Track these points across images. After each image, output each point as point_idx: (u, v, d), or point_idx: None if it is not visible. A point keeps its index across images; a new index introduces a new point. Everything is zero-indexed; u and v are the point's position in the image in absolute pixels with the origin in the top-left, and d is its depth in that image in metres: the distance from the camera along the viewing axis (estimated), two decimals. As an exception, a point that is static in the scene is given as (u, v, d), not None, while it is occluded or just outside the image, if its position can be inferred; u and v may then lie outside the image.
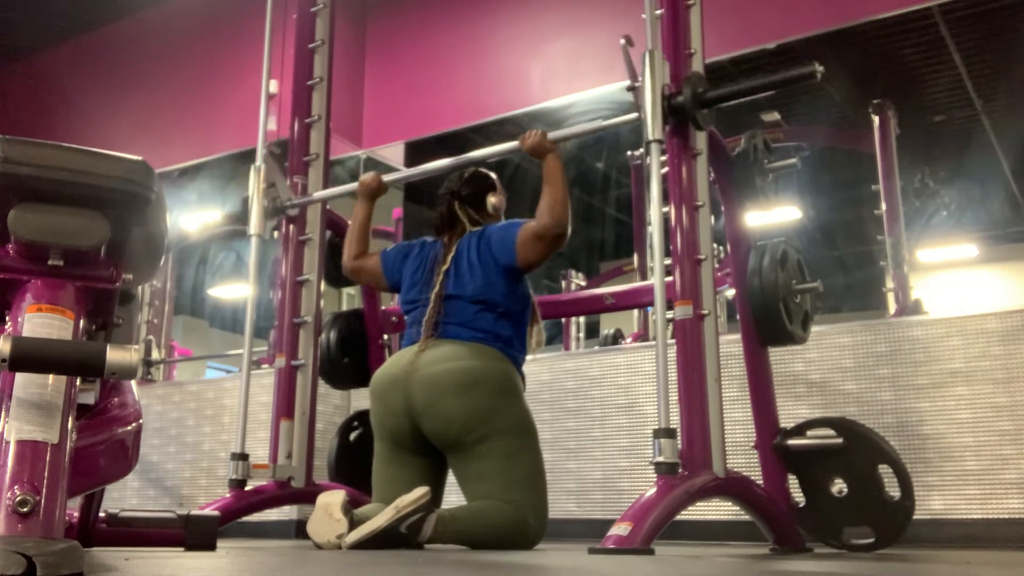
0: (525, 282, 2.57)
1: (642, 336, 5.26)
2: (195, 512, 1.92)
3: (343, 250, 2.82)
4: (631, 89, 2.37)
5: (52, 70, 6.44)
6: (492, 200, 2.67)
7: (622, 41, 2.34)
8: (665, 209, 2.39)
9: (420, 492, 2.17)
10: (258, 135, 3.29)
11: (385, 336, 3.48)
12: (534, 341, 2.60)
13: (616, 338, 5.60)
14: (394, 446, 2.47)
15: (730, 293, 3.21)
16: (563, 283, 5.97)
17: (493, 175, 2.73)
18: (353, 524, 2.15)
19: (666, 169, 2.42)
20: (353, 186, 2.95)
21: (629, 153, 5.57)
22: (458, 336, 2.45)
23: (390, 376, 2.47)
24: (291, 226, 3.35)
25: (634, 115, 2.38)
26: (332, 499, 2.20)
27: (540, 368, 3.65)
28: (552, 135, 2.57)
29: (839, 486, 2.48)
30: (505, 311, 2.48)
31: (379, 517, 2.12)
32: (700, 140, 2.47)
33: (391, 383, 2.45)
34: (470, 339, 2.44)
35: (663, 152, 2.40)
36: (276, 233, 3.39)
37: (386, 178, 2.86)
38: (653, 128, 2.29)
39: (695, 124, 2.40)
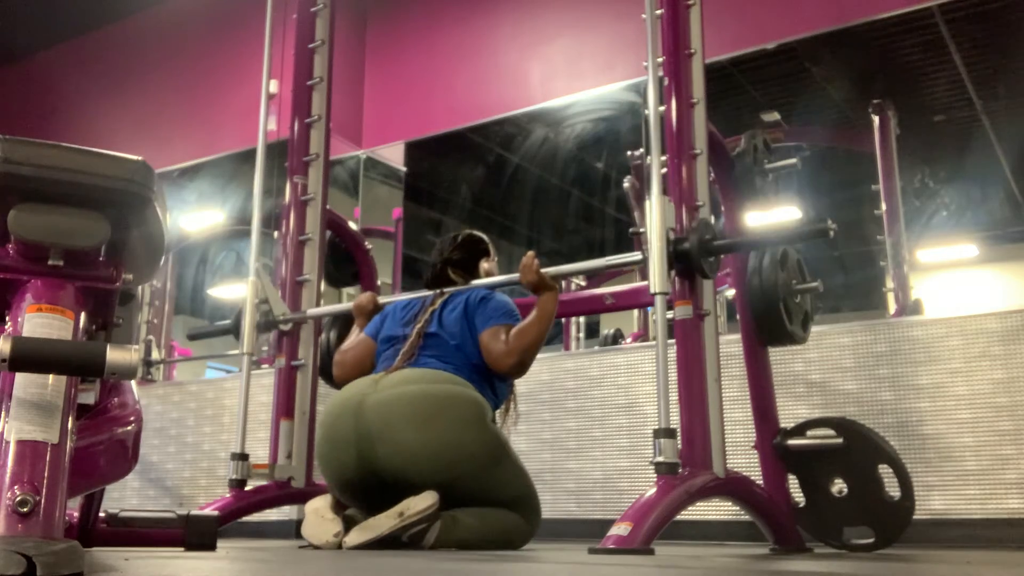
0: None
1: (642, 336, 5.25)
2: (195, 512, 1.92)
3: (332, 367, 2.65)
4: (634, 234, 2.34)
5: (52, 70, 6.44)
6: (485, 266, 2.64)
7: (626, 184, 2.32)
8: (665, 209, 2.39)
9: (429, 501, 2.08)
10: (258, 135, 3.29)
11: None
12: (509, 417, 2.50)
13: (616, 338, 5.60)
14: (344, 495, 2.28)
15: (730, 293, 3.21)
16: (563, 283, 5.97)
17: (485, 238, 2.69)
18: (346, 522, 2.14)
19: (665, 170, 2.42)
20: (348, 306, 2.90)
21: (629, 153, 5.57)
22: (428, 365, 2.34)
23: (343, 401, 2.29)
24: (291, 224, 3.35)
25: (638, 255, 2.33)
26: (320, 503, 2.21)
27: (540, 368, 3.65)
28: (552, 271, 2.49)
29: (839, 486, 2.48)
30: (482, 364, 2.38)
31: (382, 523, 2.08)
32: (700, 137, 2.46)
33: (342, 410, 2.26)
34: (441, 368, 2.33)
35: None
36: (276, 234, 3.38)
37: (381, 300, 2.77)
38: (660, 280, 2.18)
39: (702, 274, 2.32)
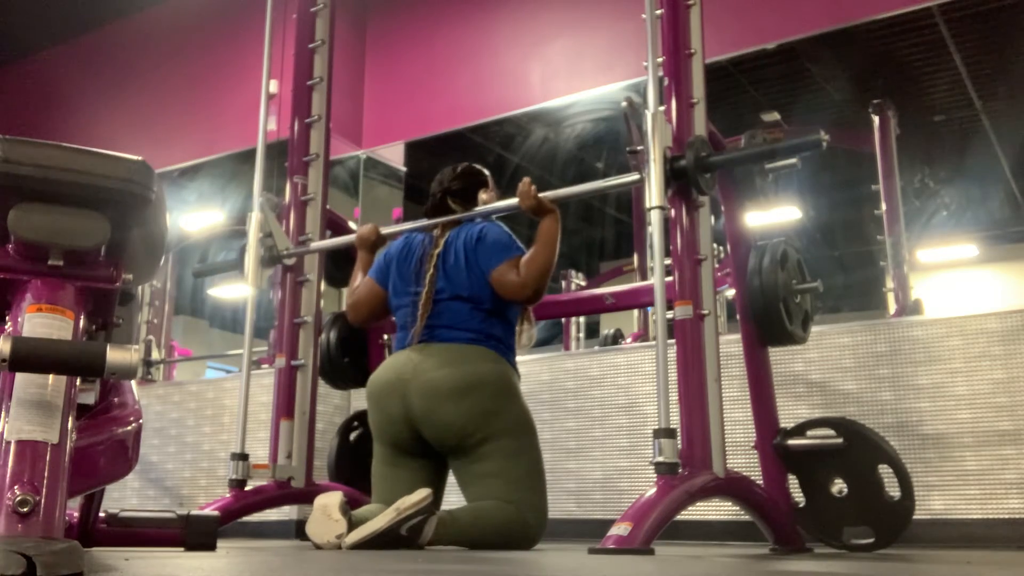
0: None
1: (642, 336, 5.26)
2: (195, 512, 1.92)
3: (347, 311, 2.74)
4: (631, 152, 2.36)
5: (52, 70, 6.44)
6: (484, 196, 2.64)
7: (624, 104, 2.33)
8: (665, 209, 2.39)
9: (422, 494, 2.16)
10: (258, 135, 3.29)
11: (385, 336, 3.48)
12: (524, 338, 2.58)
13: (616, 338, 5.60)
14: (394, 449, 2.47)
15: (730, 293, 3.21)
16: (563, 283, 5.98)
17: (486, 171, 2.71)
18: (352, 524, 2.15)
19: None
20: (351, 238, 2.93)
21: (629, 151, 5.57)
22: (451, 339, 2.43)
23: (386, 382, 2.45)
24: (291, 222, 3.35)
25: (635, 176, 2.36)
26: (330, 500, 2.20)
27: (540, 368, 3.65)
28: (551, 195, 2.51)
29: (839, 486, 2.48)
30: (494, 308, 2.46)
31: (380, 518, 2.11)
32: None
33: (388, 390, 2.44)
34: (463, 340, 2.42)
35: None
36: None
37: (384, 230, 2.82)
38: (657, 194, 2.23)
39: (698, 190, 2.36)
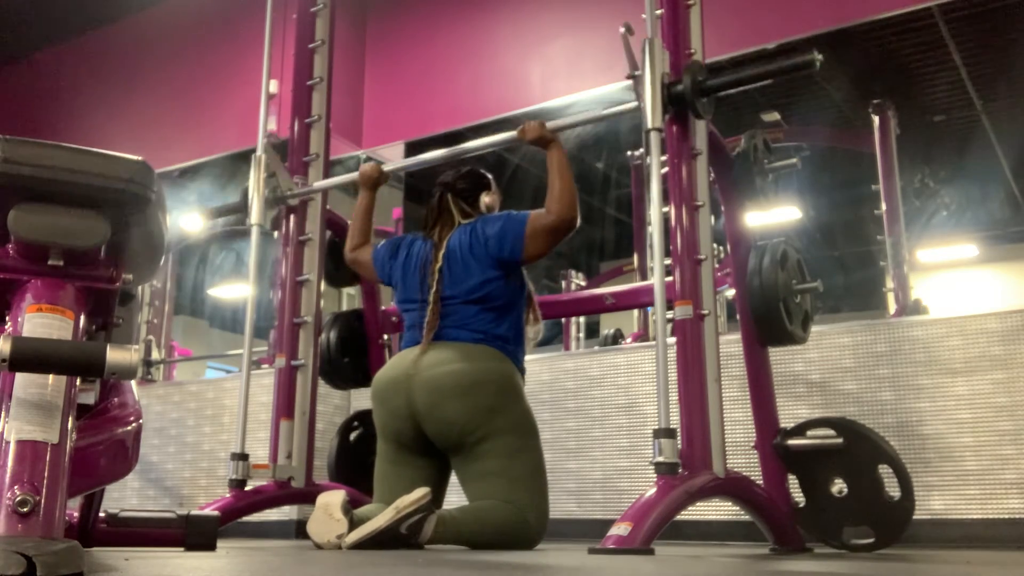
0: (520, 271, 2.55)
1: (642, 336, 5.26)
2: (195, 512, 1.92)
3: (346, 242, 2.83)
4: (631, 78, 2.37)
5: (52, 70, 6.44)
6: (486, 199, 2.65)
7: (622, 30, 2.34)
8: (665, 209, 2.39)
9: (421, 493, 2.17)
10: (258, 135, 3.29)
11: (385, 336, 3.48)
12: (531, 331, 2.60)
13: (616, 338, 5.60)
14: (397, 447, 2.47)
15: (730, 293, 3.21)
16: (563, 283, 5.98)
17: (489, 175, 2.72)
18: (353, 524, 2.15)
19: (666, 169, 2.42)
20: (354, 176, 2.96)
21: (629, 153, 5.57)
22: (457, 338, 2.44)
23: (391, 379, 2.46)
24: (291, 223, 3.35)
25: (634, 103, 2.39)
26: (332, 499, 2.20)
27: (540, 368, 3.65)
28: (551, 124, 2.57)
29: (839, 486, 2.48)
30: (504, 304, 2.47)
31: (380, 517, 2.12)
32: (700, 136, 2.46)
33: (393, 386, 2.45)
34: (470, 340, 2.43)
35: (663, 146, 2.39)
36: (276, 233, 3.39)
37: (386, 167, 2.87)
38: (653, 117, 2.29)
39: (695, 113, 2.39)
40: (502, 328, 2.47)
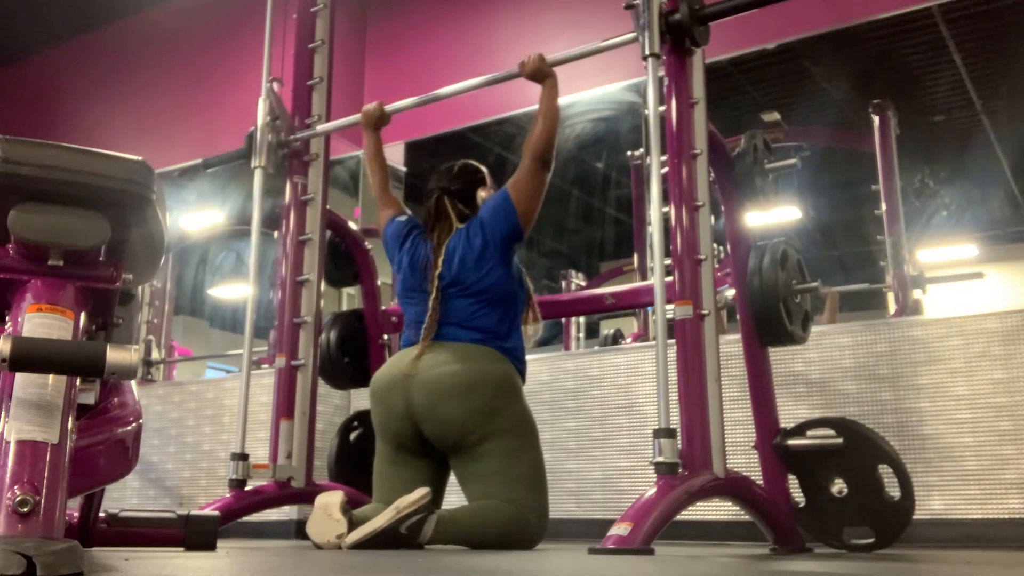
0: (517, 265, 2.57)
1: (642, 336, 5.25)
2: (195, 512, 1.92)
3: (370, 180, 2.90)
4: (629, 7, 2.41)
5: (52, 70, 6.44)
6: (482, 195, 2.64)
7: None
8: (665, 209, 2.39)
9: (420, 493, 2.17)
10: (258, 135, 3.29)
11: (385, 336, 3.48)
12: (531, 329, 2.60)
13: (616, 338, 5.60)
14: (396, 447, 2.47)
15: (730, 293, 3.21)
16: (563, 283, 5.98)
17: (483, 168, 2.71)
18: (352, 524, 2.15)
19: (666, 169, 2.42)
20: (356, 118, 3.02)
21: (629, 153, 5.57)
22: (457, 338, 2.44)
23: (390, 379, 2.46)
24: (291, 223, 3.35)
25: (632, 34, 2.43)
26: (331, 499, 2.20)
27: (540, 368, 3.65)
28: (550, 58, 2.64)
29: (839, 486, 2.48)
30: (502, 299, 2.47)
31: (379, 517, 2.12)
32: (700, 138, 2.45)
33: (391, 386, 2.44)
34: (468, 340, 2.43)
35: (663, 141, 2.39)
36: (276, 233, 3.38)
37: (389, 107, 2.90)
38: (651, 42, 2.33)
39: (692, 40, 2.43)
40: (501, 328, 2.47)
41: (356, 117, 3.01)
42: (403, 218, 2.74)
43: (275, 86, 3.29)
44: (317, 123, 3.44)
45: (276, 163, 3.28)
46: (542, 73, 2.60)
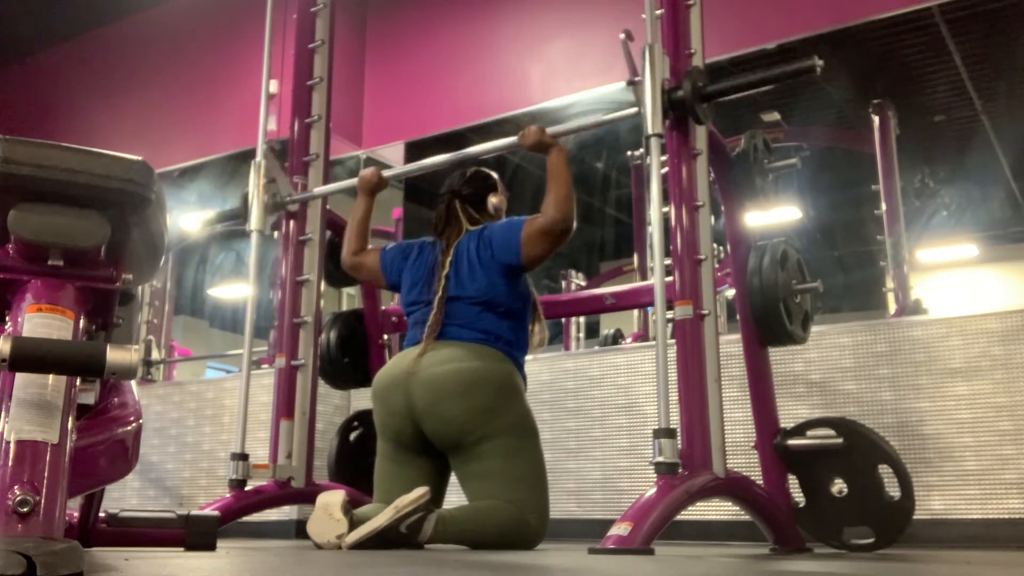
0: (525, 279, 2.56)
1: (642, 336, 5.26)
2: (195, 512, 1.92)
3: (342, 246, 2.80)
4: (631, 84, 2.37)
5: (52, 70, 6.44)
6: (493, 200, 2.65)
7: (622, 36, 2.34)
8: (665, 209, 2.39)
9: (420, 492, 2.17)
10: (258, 135, 3.29)
11: (385, 336, 3.48)
12: (536, 339, 2.60)
13: (616, 338, 5.60)
14: (397, 446, 2.47)
15: (730, 293, 3.21)
16: (563, 283, 5.98)
17: (495, 175, 2.72)
18: (353, 524, 2.15)
19: (666, 169, 2.42)
20: (353, 182, 2.94)
21: (629, 153, 5.58)
22: (460, 337, 2.44)
23: (391, 377, 2.46)
24: (291, 224, 3.35)
25: (634, 109, 2.38)
26: (332, 499, 2.20)
27: (540, 368, 3.65)
28: (551, 130, 2.56)
29: (839, 486, 2.48)
30: (507, 310, 2.48)
31: (379, 517, 2.12)
32: (700, 138, 2.46)
33: (392, 384, 2.45)
34: (471, 340, 2.43)
35: (663, 148, 2.39)
36: (276, 233, 3.38)
37: (386, 173, 2.86)
38: (653, 122, 2.28)
39: (695, 118, 2.39)
40: (505, 330, 2.47)
41: (353, 181, 2.94)
42: (393, 243, 2.76)
43: (271, 151, 3.24)
44: (316, 123, 3.44)
45: (272, 224, 3.26)
46: (544, 144, 2.54)
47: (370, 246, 2.79)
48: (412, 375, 2.41)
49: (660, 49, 2.36)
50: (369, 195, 2.83)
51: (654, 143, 2.28)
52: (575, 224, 2.46)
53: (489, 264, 2.48)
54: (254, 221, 3.14)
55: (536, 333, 2.60)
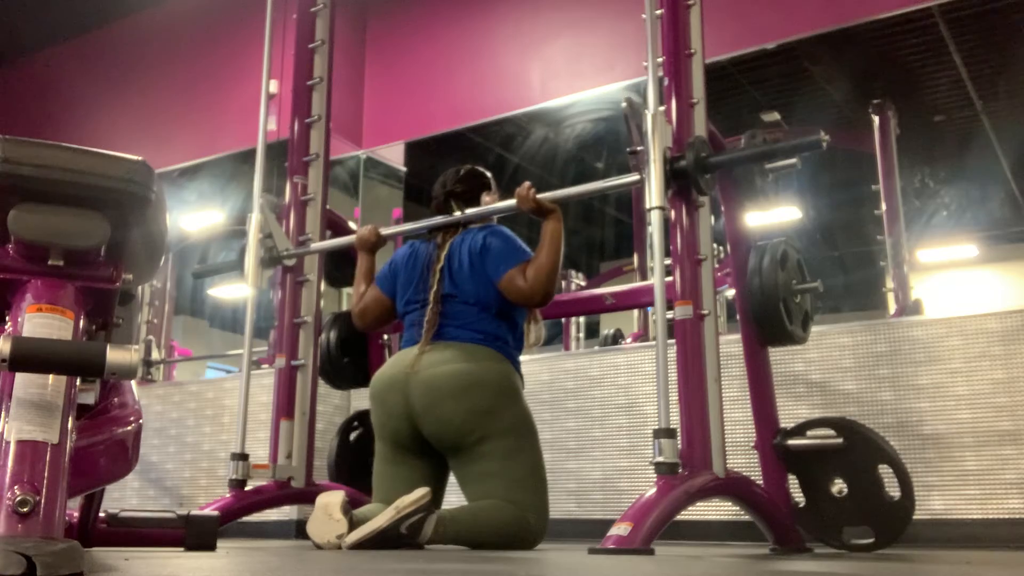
0: None
1: (642, 336, 5.25)
2: (195, 512, 1.92)
3: (353, 319, 2.74)
4: (632, 153, 2.37)
5: (52, 70, 6.43)
6: (487, 199, 2.66)
7: (624, 104, 2.33)
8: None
9: (420, 492, 2.17)
10: (258, 135, 3.29)
11: (385, 336, 3.48)
12: (532, 337, 2.59)
13: (616, 338, 5.60)
14: (395, 447, 2.47)
15: (730, 293, 3.21)
16: (563, 283, 5.98)
17: (489, 174, 2.72)
18: (353, 524, 2.15)
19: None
20: (351, 239, 2.93)
21: (629, 151, 5.57)
22: (457, 338, 2.44)
23: (390, 378, 2.46)
24: (291, 223, 3.35)
25: (635, 176, 2.37)
26: (331, 499, 2.20)
27: (540, 368, 3.65)
28: (548, 195, 2.51)
29: (839, 486, 2.48)
30: (500, 311, 2.48)
31: (379, 517, 2.12)
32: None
33: (390, 385, 2.45)
34: (469, 340, 2.43)
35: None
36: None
37: (384, 231, 2.82)
38: (657, 195, 2.23)
39: (698, 190, 2.35)
40: (502, 330, 2.47)
41: (351, 239, 2.92)
42: (386, 263, 2.73)
43: (269, 202, 3.21)
44: (316, 123, 3.44)
45: (269, 278, 3.25)
46: (545, 209, 2.48)
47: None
48: (411, 375, 2.40)
49: (663, 118, 2.32)
50: (368, 253, 2.79)
51: (656, 216, 2.22)
52: (552, 296, 2.43)
53: (480, 271, 2.47)
54: (250, 279, 3.11)
55: (532, 332, 2.60)
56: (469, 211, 2.61)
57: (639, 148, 2.33)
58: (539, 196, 2.49)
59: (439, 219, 2.65)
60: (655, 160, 2.26)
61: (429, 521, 2.14)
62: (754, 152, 2.49)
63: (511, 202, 2.55)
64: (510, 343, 2.50)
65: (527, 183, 2.52)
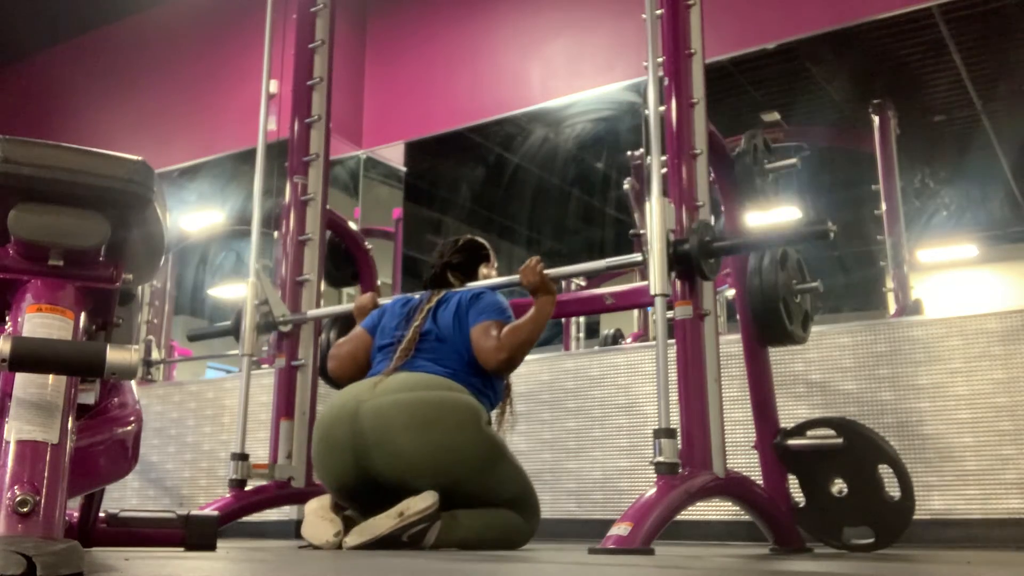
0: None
1: (642, 336, 5.25)
2: (195, 512, 1.92)
3: (328, 361, 2.62)
4: (634, 236, 2.35)
5: (52, 70, 6.44)
6: (484, 271, 2.64)
7: (626, 186, 2.33)
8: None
9: (429, 501, 2.09)
10: (258, 135, 3.29)
11: (385, 336, 3.48)
12: (506, 419, 2.48)
13: (616, 338, 5.59)
14: (337, 495, 2.28)
15: (730, 293, 3.21)
16: (563, 283, 5.97)
17: (487, 245, 2.69)
18: (347, 520, 2.14)
19: (666, 170, 2.42)
20: (349, 307, 2.91)
21: (629, 153, 5.57)
22: (425, 368, 2.32)
23: (339, 406, 2.27)
24: (291, 223, 3.35)
25: (638, 256, 2.35)
26: (320, 503, 2.21)
27: (540, 368, 3.65)
28: (555, 272, 2.49)
29: (839, 486, 2.48)
30: (476, 359, 2.37)
31: (382, 523, 2.09)
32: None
33: (338, 413, 2.25)
34: (439, 374, 2.31)
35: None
36: (276, 233, 3.38)
37: (382, 301, 2.79)
38: (659, 281, 2.19)
39: (702, 275, 2.32)
40: (475, 375, 2.36)
41: (349, 307, 2.89)
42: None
43: (264, 272, 3.18)
44: (316, 123, 3.44)
45: (263, 344, 3.24)
46: (545, 289, 2.44)
47: (369, 245, 2.77)
48: (363, 403, 2.22)
49: (666, 200, 2.30)
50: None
51: (659, 303, 2.19)
52: (514, 368, 2.38)
53: (464, 317, 2.41)
54: (246, 345, 3.10)
55: (505, 413, 2.48)
56: (470, 285, 2.57)
57: (642, 231, 2.30)
58: (546, 271, 2.45)
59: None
60: (657, 248, 2.21)
61: (432, 530, 2.09)
62: (759, 239, 2.48)
63: (514, 277, 2.52)
64: (484, 391, 2.36)
65: (536, 257, 2.48)
